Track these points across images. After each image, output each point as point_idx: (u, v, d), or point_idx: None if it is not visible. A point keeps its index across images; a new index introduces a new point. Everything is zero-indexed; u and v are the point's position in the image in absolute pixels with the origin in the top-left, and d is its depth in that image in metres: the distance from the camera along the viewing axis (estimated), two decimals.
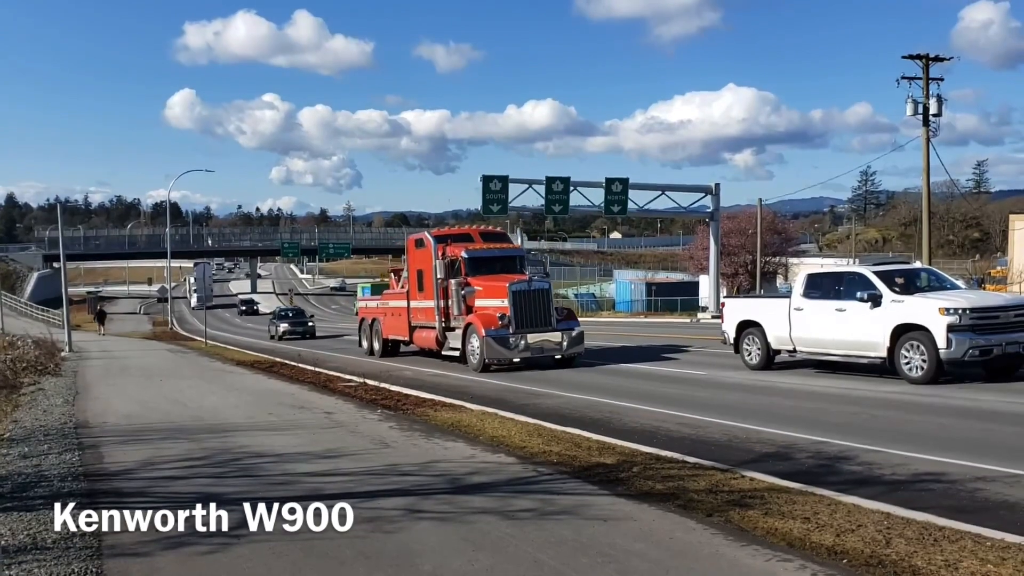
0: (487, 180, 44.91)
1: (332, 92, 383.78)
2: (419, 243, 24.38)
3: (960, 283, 18.23)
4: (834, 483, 8.17)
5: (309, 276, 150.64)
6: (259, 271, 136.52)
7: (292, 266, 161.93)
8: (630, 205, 47.88)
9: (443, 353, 22.85)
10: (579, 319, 24.53)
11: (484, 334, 20.23)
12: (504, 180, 45.36)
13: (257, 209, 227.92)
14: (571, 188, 46.73)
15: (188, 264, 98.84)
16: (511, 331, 20.23)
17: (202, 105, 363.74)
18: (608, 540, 6.41)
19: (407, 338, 25.32)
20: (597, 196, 47.66)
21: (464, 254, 22.21)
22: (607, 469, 8.79)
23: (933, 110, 37.37)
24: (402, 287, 26.02)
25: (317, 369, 22.19)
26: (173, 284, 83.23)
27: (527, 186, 46.58)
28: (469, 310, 21.45)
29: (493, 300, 20.92)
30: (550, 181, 45.93)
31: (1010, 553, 5.77)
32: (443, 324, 22.60)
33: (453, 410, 13.61)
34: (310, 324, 46.28)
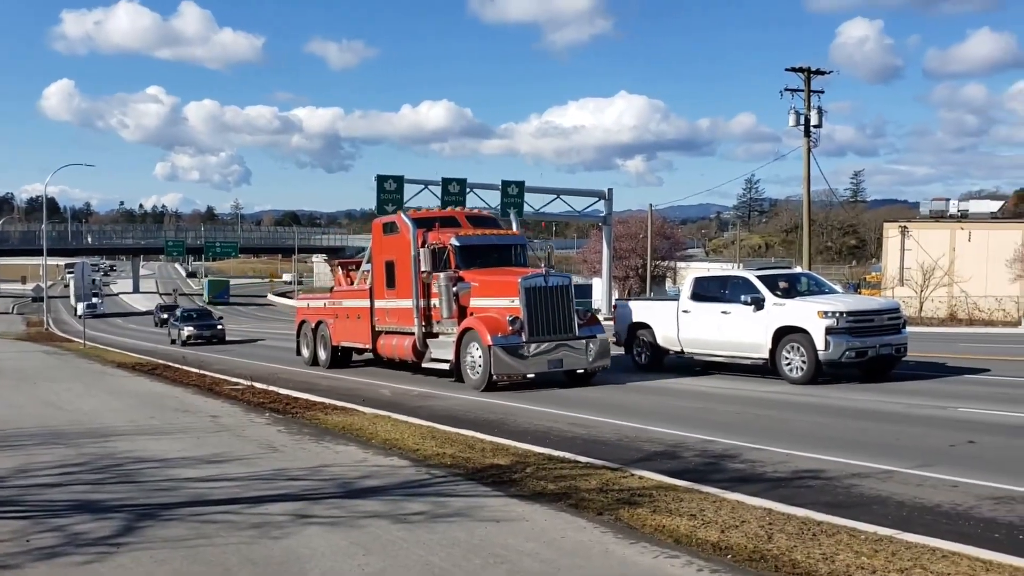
0: (382, 180, 44.44)
1: (220, 87, 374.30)
2: (389, 227, 19.73)
3: (838, 288, 19.03)
4: (720, 480, 8.41)
5: (195, 276, 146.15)
6: (142, 270, 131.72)
7: (177, 265, 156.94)
8: (526, 208, 48.20)
9: (424, 365, 18.31)
10: None
11: (491, 342, 15.93)
12: (399, 180, 45.00)
13: (140, 206, 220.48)
14: (468, 189, 46.71)
15: (68, 262, 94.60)
16: (524, 338, 16.17)
17: (81, 97, 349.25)
18: (500, 541, 6.42)
19: (368, 345, 20.60)
20: (494, 198, 47.77)
21: (455, 241, 17.86)
22: (500, 470, 8.82)
23: (814, 121, 38.93)
24: (360, 283, 22.02)
25: (202, 372, 21.53)
26: (49, 283, 79.40)
27: (423, 186, 46.33)
28: (462, 311, 17.22)
29: (495, 299, 16.83)
30: (446, 182, 45.79)
31: (882, 545, 6.05)
32: (424, 329, 18.20)
33: (345, 413, 13.41)
34: (219, 327, 41.18)
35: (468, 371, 16.74)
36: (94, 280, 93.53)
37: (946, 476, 8.35)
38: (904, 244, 53.61)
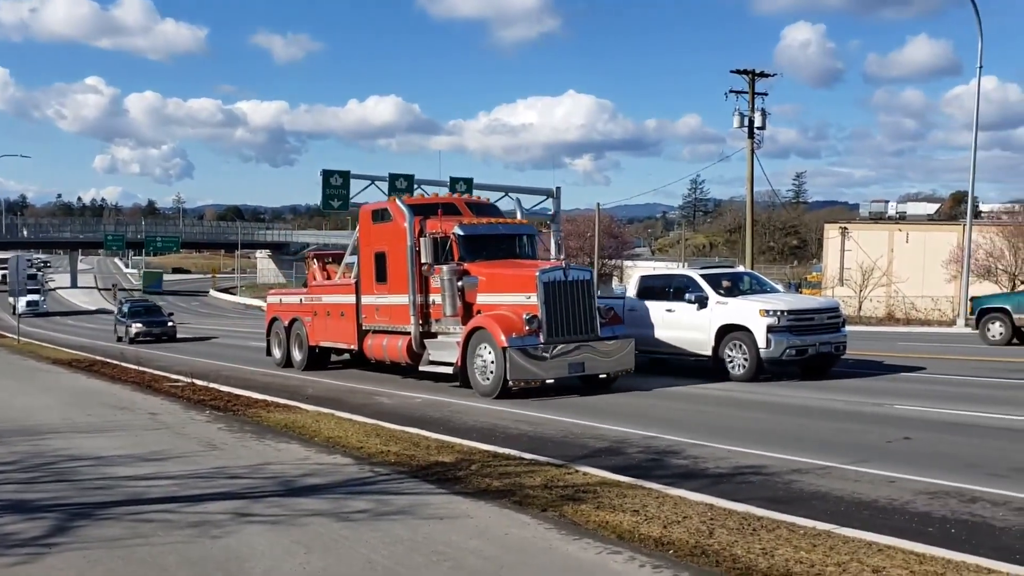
0: (327, 175, 43.91)
1: (162, 78, 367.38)
2: (380, 215, 17.85)
3: (779, 287, 19.33)
4: (662, 476, 8.48)
5: (135, 271, 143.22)
6: (80, 265, 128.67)
7: (116, 260, 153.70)
8: None
9: (421, 369, 16.58)
10: None
11: (506, 343, 14.18)
12: (345, 175, 44.52)
13: (79, 199, 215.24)
14: (415, 186, 46.47)
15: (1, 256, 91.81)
16: (542, 339, 14.51)
17: (15, 86, 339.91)
18: (444, 538, 6.38)
19: (352, 345, 18.81)
20: (442, 194, 47.62)
21: (459, 230, 16.12)
22: (445, 468, 8.78)
23: (757, 123, 39.53)
24: (342, 277, 20.14)
25: (141, 368, 21.09)
26: None
27: (370, 182, 45.90)
28: (467, 308, 15.57)
29: (507, 295, 15.18)
30: (393, 178, 45.44)
31: (820, 540, 6.14)
32: (421, 328, 16.47)
33: (287, 411, 13.24)
34: (170, 324, 38.34)
35: (477, 376, 14.90)
36: (35, 275, 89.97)
37: (883, 472, 8.52)
38: (844, 245, 54.77)
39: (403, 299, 16.69)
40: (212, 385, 16.71)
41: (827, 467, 8.84)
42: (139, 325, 37.29)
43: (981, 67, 33.32)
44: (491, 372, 14.59)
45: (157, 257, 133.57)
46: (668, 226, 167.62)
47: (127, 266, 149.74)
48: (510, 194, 50.67)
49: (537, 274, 14.70)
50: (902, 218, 59.98)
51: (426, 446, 10.04)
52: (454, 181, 47.00)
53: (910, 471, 8.50)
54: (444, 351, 15.92)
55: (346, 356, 20.37)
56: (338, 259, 21.92)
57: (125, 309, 40.71)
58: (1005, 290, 42.09)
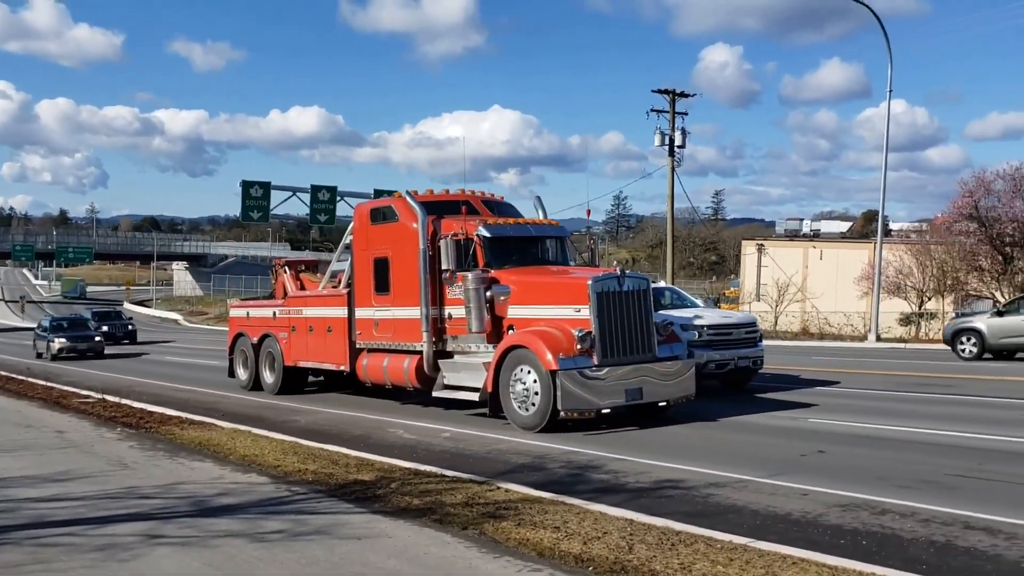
0: (247, 185, 43.31)
1: (76, 85, 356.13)
2: (381, 214, 15.39)
3: (699, 302, 19.65)
4: (583, 492, 8.50)
5: (45, 282, 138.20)
6: None
7: (25, 271, 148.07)
8: None
9: (436, 394, 14.19)
10: None
11: (555, 365, 11.94)
12: (266, 186, 43.95)
13: None
14: (338, 198, 46.07)
15: None
16: (596, 360, 12.29)
17: None
18: (361, 559, 6.27)
19: (342, 366, 16.30)
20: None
21: (484, 231, 13.83)
22: (365, 486, 8.64)
23: (678, 142, 40.28)
24: (328, 287, 17.65)
25: (49, 384, 20.31)
26: None
27: (291, 193, 45.46)
28: (496, 323, 13.38)
29: (548, 307, 12.96)
30: (316, 189, 45.06)
31: (737, 554, 6.22)
32: (434, 346, 14.19)
33: (202, 428, 12.90)
34: (97, 340, 34.93)
35: (515, 404, 12.57)
36: None
37: (797, 485, 8.69)
38: (760, 261, 56.13)
39: (411, 312, 14.28)
40: (124, 401, 16.18)
41: (744, 480, 8.97)
42: (62, 340, 33.93)
43: (891, 91, 34.70)
44: (536, 400, 12.28)
45: (69, 268, 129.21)
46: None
47: (36, 277, 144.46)
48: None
49: (590, 283, 12.47)
50: (816, 236, 61.80)
51: (345, 464, 9.87)
52: (379, 193, 46.72)
53: (823, 484, 8.68)
54: (465, 373, 13.62)
55: (322, 378, 18.55)
56: (312, 267, 20.25)
57: (46, 323, 37.48)
58: (914, 307, 43.66)
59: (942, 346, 31.07)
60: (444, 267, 13.72)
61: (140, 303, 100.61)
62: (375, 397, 16.58)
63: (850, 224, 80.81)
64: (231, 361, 19.94)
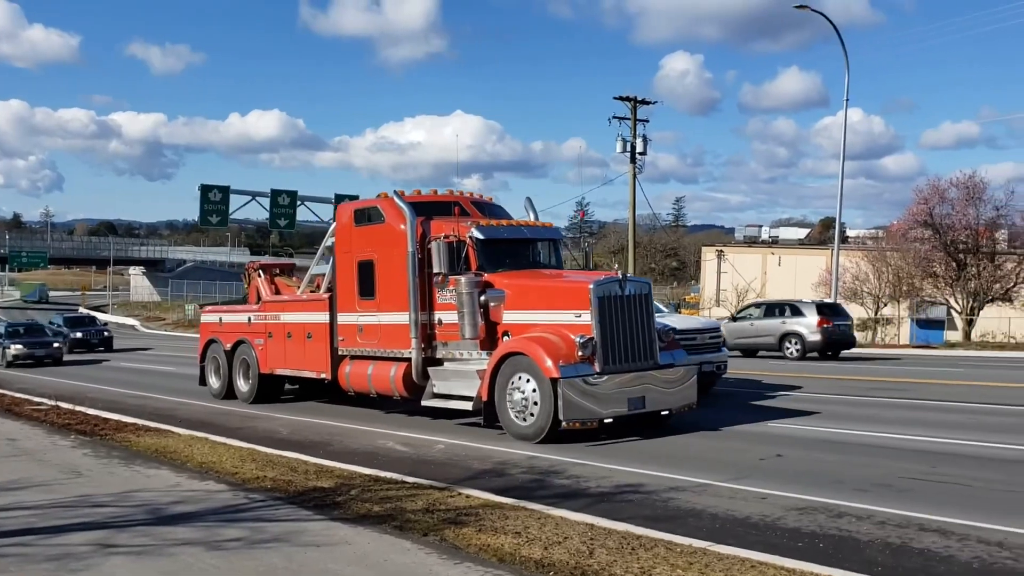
0: (206, 189, 42.81)
1: (30, 86, 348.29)
2: (366, 215, 14.72)
3: (662, 307, 19.76)
4: (544, 497, 8.50)
5: None
6: None
7: None
8: None
9: (425, 403, 13.63)
10: None
11: (556, 372, 11.47)
12: (225, 190, 43.48)
13: None
14: (299, 202, 45.74)
15: None
16: (598, 367, 11.85)
17: None
18: (321, 566, 6.21)
19: (323, 374, 15.73)
20: (326, 212, 46.99)
21: (477, 233, 13.35)
22: (324, 493, 8.57)
23: (639, 149, 40.57)
24: (306, 291, 17.06)
25: (1, 391, 19.88)
26: None
27: (251, 198, 45.03)
28: (490, 329, 12.93)
29: (544, 312, 12.49)
30: (275, 194, 44.68)
31: (696, 557, 6.26)
32: (423, 353, 13.67)
33: (158, 435, 12.71)
34: (56, 346, 33.35)
35: (513, 414, 12.05)
36: None
37: (756, 488, 8.77)
38: (720, 267, 56.71)
39: (399, 317, 13.76)
40: (79, 408, 15.89)
41: (704, 484, 9.04)
42: (19, 347, 32.58)
43: (848, 100, 35.35)
44: (534, 410, 11.79)
45: (22, 273, 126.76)
46: None
47: None
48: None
49: (592, 286, 12.03)
50: (775, 242, 62.64)
51: (304, 471, 9.79)
52: (339, 198, 46.47)
53: (782, 487, 8.77)
54: (457, 382, 13.16)
55: (297, 387, 17.85)
56: (288, 271, 19.67)
57: (0, 329, 35.85)
58: (871, 313, 44.34)
59: (899, 350, 31.64)
60: (435, 270, 13.17)
61: (96, 308, 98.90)
62: (355, 406, 16.17)
63: (808, 231, 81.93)
64: (202, 369, 19.13)
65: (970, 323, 39.31)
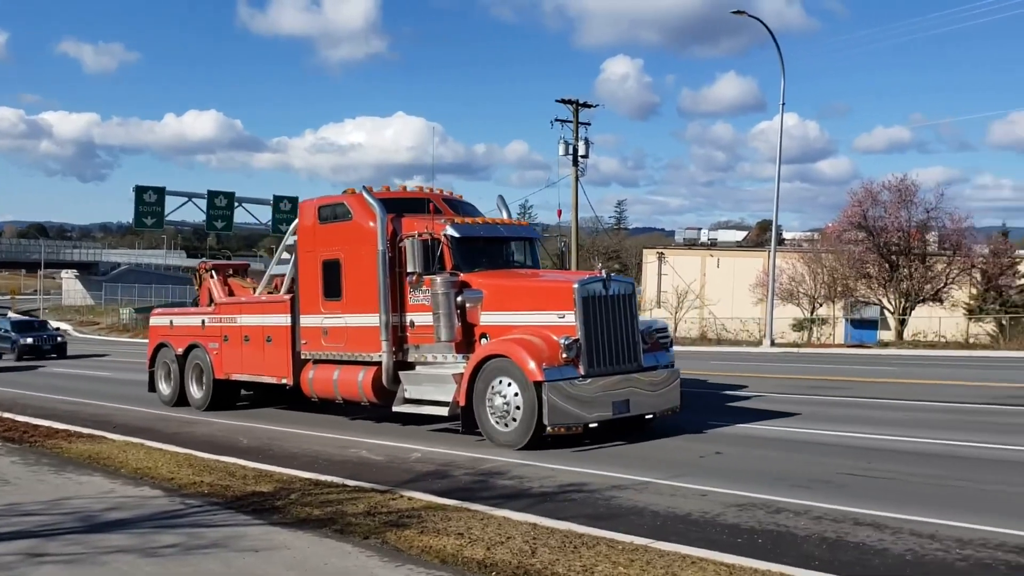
0: (141, 191, 41.91)
1: None
2: (331, 213, 14.13)
3: None
4: (488, 498, 8.48)
5: None
6: None
7: None
8: None
9: (396, 409, 13.04)
10: None
11: (541, 376, 11.06)
12: (160, 192, 42.64)
13: None
14: (236, 204, 45.05)
15: None
16: (583, 370, 11.48)
17: None
18: (259, 571, 6.10)
19: (283, 379, 15.07)
20: (265, 213, 46.40)
21: (452, 231, 12.86)
22: (263, 498, 8.43)
23: (581, 152, 40.82)
24: (263, 292, 16.40)
25: None
26: None
27: (187, 199, 44.20)
28: (467, 330, 12.46)
29: (525, 313, 12.06)
30: (213, 195, 43.94)
31: (638, 555, 6.30)
32: (394, 357, 13.11)
33: (91, 441, 12.38)
34: None
35: (493, 420, 11.61)
36: None
37: (696, 486, 8.87)
38: (661, 269, 57.41)
39: (367, 319, 13.23)
40: (7, 415, 15.42)
41: (645, 482, 9.11)
42: None
43: (784, 104, 35.99)
44: (516, 415, 11.35)
45: None
46: None
47: None
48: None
49: (576, 286, 11.65)
50: (713, 244, 63.60)
51: (242, 475, 9.62)
52: (278, 200, 45.95)
53: (721, 484, 8.88)
54: (430, 386, 12.61)
55: (252, 392, 17.24)
56: (242, 271, 18.98)
57: None
58: (806, 313, 45.28)
59: (834, 350, 32.34)
60: (409, 270, 12.65)
61: (26, 313, 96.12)
62: (317, 412, 15.54)
63: (745, 233, 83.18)
64: (151, 375, 18.23)
65: (902, 323, 40.33)
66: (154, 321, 19.17)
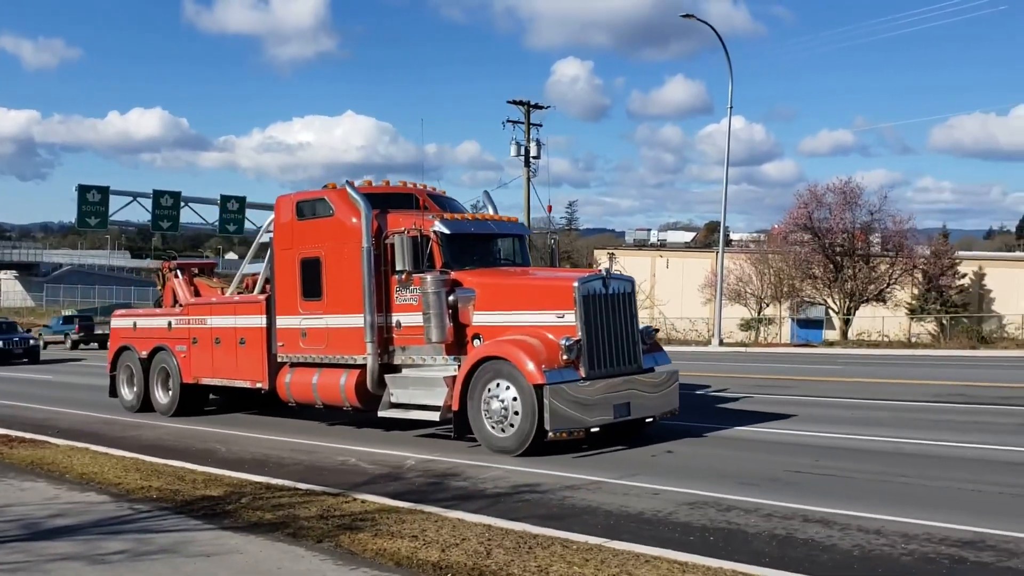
0: (84, 190, 40.90)
1: None
2: (311, 208, 13.64)
3: None
4: (442, 500, 8.46)
5: None
6: None
7: None
8: (248, 225, 46.43)
9: (382, 414, 12.50)
10: None
11: (542, 378, 10.62)
12: (105, 191, 41.65)
13: None
14: (182, 204, 44.25)
15: None
16: (583, 372, 11.02)
17: None
18: None
19: (258, 383, 14.41)
20: (212, 213, 45.64)
21: (441, 227, 12.32)
22: (213, 502, 8.31)
23: (533, 153, 40.96)
24: (239, 291, 15.82)
25: None
26: None
27: (132, 199, 43.24)
28: (459, 332, 11.91)
29: (521, 313, 11.58)
30: (158, 195, 43.05)
31: (592, 554, 6.33)
32: (380, 359, 12.55)
33: (33, 446, 12.08)
34: None
35: (489, 425, 11.10)
36: None
37: (648, 485, 8.95)
38: (612, 270, 57.74)
39: (350, 320, 12.72)
40: None
41: (598, 482, 9.16)
42: None
43: (732, 107, 36.46)
44: (514, 420, 10.87)
45: None
46: None
47: None
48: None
49: (576, 284, 11.21)
50: (663, 245, 64.30)
51: (192, 480, 9.47)
52: (225, 199, 45.21)
53: (673, 483, 8.98)
54: (418, 389, 12.11)
55: (218, 397, 16.64)
56: (209, 271, 18.30)
57: None
58: (754, 313, 45.92)
59: (781, 349, 32.86)
60: (398, 268, 12.08)
61: None
62: (283, 416, 15.19)
63: (694, 234, 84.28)
64: (113, 379, 17.40)
65: (847, 322, 41.14)
66: (116, 323, 18.25)
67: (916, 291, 44.34)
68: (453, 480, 9.61)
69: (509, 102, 41.25)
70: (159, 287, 18.25)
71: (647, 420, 11.85)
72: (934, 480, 8.99)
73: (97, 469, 10.14)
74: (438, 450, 11.39)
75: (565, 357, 10.80)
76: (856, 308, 41.67)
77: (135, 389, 16.89)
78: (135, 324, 17.39)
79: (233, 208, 45.33)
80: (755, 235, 68.44)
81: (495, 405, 11.01)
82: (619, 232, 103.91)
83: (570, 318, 11.06)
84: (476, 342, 11.77)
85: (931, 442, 11.16)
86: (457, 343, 11.88)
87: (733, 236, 66.62)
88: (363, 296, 12.36)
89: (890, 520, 7.32)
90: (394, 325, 12.47)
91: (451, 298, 11.75)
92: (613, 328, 11.48)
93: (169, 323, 16.32)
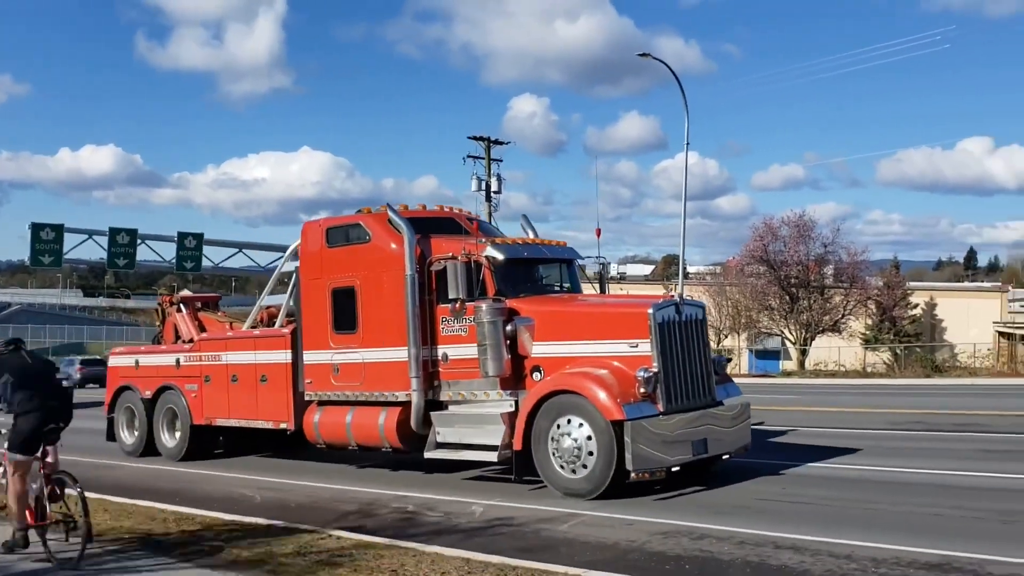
0: (37, 228, 40.29)
1: None
2: (344, 235, 12.80)
3: None
4: (417, 535, 8.48)
5: None
6: None
7: None
8: (205, 262, 46.05)
9: (429, 456, 11.61)
10: None
11: (622, 414, 9.82)
12: (59, 229, 41.07)
13: None
14: (139, 241, 43.79)
15: None
16: (662, 407, 10.21)
17: None
18: None
19: (283, 423, 13.43)
20: (168, 251, 45.19)
21: (494, 252, 11.46)
22: (189, 540, 8.26)
23: (494, 188, 41.23)
24: (256, 323, 15.04)
25: None
26: None
27: (87, 236, 42.71)
28: (517, 364, 10.98)
29: (587, 343, 10.72)
30: (114, 232, 42.56)
31: None
32: (425, 395, 11.64)
33: None
34: None
35: (558, 465, 10.24)
36: None
37: (621, 515, 9.06)
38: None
39: (390, 354, 11.79)
40: None
41: (571, 514, 9.24)
42: None
43: (688, 143, 36.97)
44: (588, 460, 10.01)
45: None
46: None
47: None
48: (243, 250, 49.22)
49: (651, 311, 10.35)
50: (623, 278, 64.74)
51: (163, 519, 9.40)
52: (182, 236, 44.82)
53: (645, 513, 9.10)
54: (471, 428, 11.24)
55: (222, 439, 15.32)
56: (213, 304, 17.43)
57: None
58: (713, 344, 46.38)
59: (740, 380, 33.06)
60: (451, 296, 11.09)
61: None
62: (315, 460, 14.11)
63: (652, 267, 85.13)
64: (111, 421, 16.21)
65: (804, 353, 41.78)
66: (115, 361, 17.02)
67: (870, 321, 45.24)
68: (427, 515, 9.62)
69: (470, 137, 41.56)
70: (158, 323, 17.44)
71: (724, 457, 11.19)
72: (899, 505, 9.21)
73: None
74: (405, 485, 11.37)
75: (642, 390, 10.04)
76: (812, 339, 42.37)
77: (137, 432, 15.77)
78: (137, 362, 16.23)
79: (191, 245, 44.94)
80: (711, 267, 69.35)
81: (566, 443, 10.15)
82: (579, 265, 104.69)
83: (644, 348, 10.31)
84: (536, 375, 10.94)
85: (894, 469, 11.42)
86: (514, 377, 11.02)
87: (690, 268, 67.40)
88: (407, 327, 11.50)
89: (860, 545, 7.49)
90: (440, 358, 11.62)
91: (508, 328, 10.87)
92: (687, 358, 10.73)
93: (177, 360, 15.27)
